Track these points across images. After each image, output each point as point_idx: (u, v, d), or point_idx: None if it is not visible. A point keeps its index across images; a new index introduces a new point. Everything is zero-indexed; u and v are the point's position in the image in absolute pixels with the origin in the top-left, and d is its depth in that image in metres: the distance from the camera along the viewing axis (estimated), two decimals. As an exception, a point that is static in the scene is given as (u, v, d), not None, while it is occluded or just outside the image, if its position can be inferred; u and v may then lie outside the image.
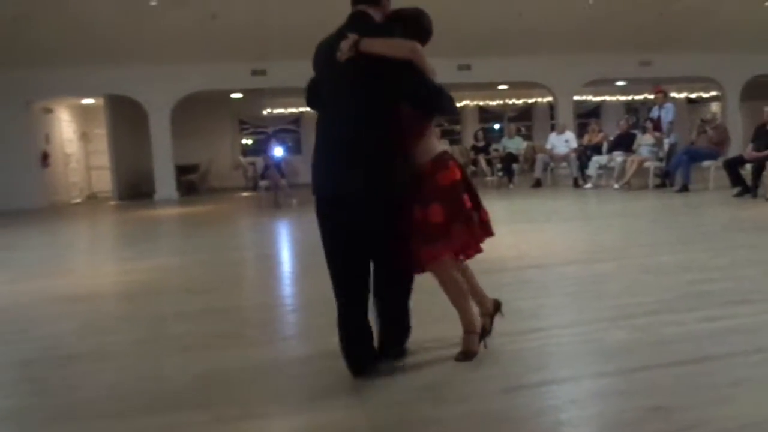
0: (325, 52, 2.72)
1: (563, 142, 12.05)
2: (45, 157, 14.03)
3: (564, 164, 12.17)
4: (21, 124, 13.46)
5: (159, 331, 3.62)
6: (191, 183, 15.79)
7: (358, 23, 2.68)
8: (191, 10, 11.33)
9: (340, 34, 2.67)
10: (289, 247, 7.14)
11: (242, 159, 16.46)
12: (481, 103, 19.54)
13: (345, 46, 2.58)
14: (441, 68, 12.14)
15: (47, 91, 13.77)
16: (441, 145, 2.91)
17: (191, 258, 6.27)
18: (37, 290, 4.96)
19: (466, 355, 2.81)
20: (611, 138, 12.01)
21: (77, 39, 12.02)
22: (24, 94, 13.41)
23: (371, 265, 2.77)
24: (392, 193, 2.66)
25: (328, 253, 2.74)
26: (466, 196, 2.76)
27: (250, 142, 18.92)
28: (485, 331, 2.94)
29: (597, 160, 11.34)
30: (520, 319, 3.44)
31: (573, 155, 11.75)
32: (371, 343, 2.76)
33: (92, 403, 2.63)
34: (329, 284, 2.78)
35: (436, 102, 2.71)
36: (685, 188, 9.55)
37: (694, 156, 9.89)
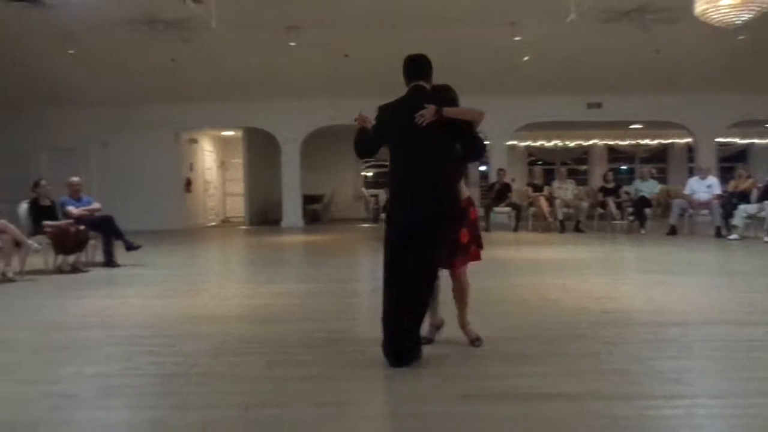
0: (395, 115, 3.60)
1: (705, 187, 11.18)
2: (188, 184, 15.30)
3: (704, 212, 11.26)
4: (170, 153, 14.84)
5: (286, 357, 3.73)
6: (315, 212, 16.45)
7: (420, 93, 3.60)
8: (326, 49, 11.95)
9: (407, 102, 3.58)
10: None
11: (364, 191, 16.91)
12: (610, 143, 18.74)
13: (428, 114, 3.41)
14: (568, 106, 12.05)
15: (193, 123, 15.11)
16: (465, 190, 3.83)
17: (314, 286, 6.47)
18: (178, 307, 5.34)
19: (479, 339, 3.83)
20: (761, 185, 10.97)
21: (221, 77, 13.11)
22: (174, 126, 14.79)
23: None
24: (456, 217, 3.59)
25: (390, 262, 3.49)
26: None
27: (371, 174, 19.45)
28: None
29: (744, 209, 10.37)
30: (662, 382, 3.18)
31: (716, 202, 10.85)
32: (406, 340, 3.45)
33: (226, 423, 2.75)
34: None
35: (482, 152, 3.76)
36: None
37: None
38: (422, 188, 3.45)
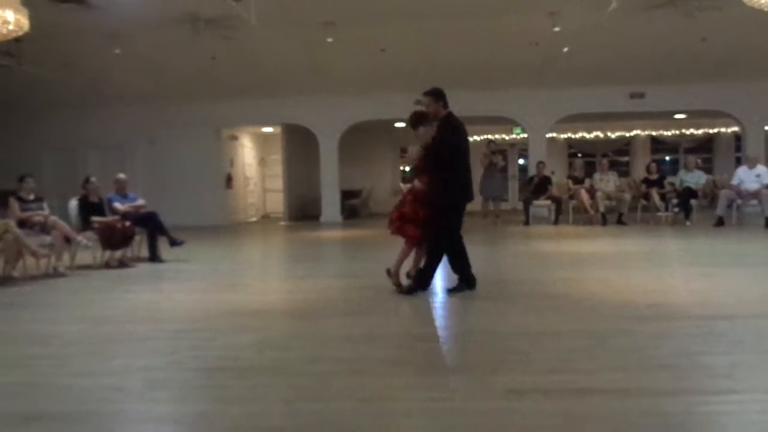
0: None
1: (754, 177, 10.81)
2: (229, 180, 15.55)
3: (753, 202, 10.89)
4: (211, 150, 15.08)
5: (328, 352, 3.76)
6: (353, 207, 16.49)
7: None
8: (363, 45, 11.96)
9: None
10: (444, 277, 7.11)
11: (402, 185, 16.85)
12: (653, 133, 18.25)
13: None
14: (610, 96, 11.93)
15: (234, 120, 15.31)
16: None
17: (354, 281, 6.51)
18: (220, 302, 5.44)
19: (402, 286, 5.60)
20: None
21: (260, 74, 13.26)
22: (214, 123, 15.02)
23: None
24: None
25: (455, 227, 5.58)
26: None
27: (408, 169, 19.38)
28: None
29: (796, 198, 10.00)
30: (711, 378, 3.09)
31: (765, 192, 10.47)
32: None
33: (269, 416, 2.78)
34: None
35: None
36: None
37: None
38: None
